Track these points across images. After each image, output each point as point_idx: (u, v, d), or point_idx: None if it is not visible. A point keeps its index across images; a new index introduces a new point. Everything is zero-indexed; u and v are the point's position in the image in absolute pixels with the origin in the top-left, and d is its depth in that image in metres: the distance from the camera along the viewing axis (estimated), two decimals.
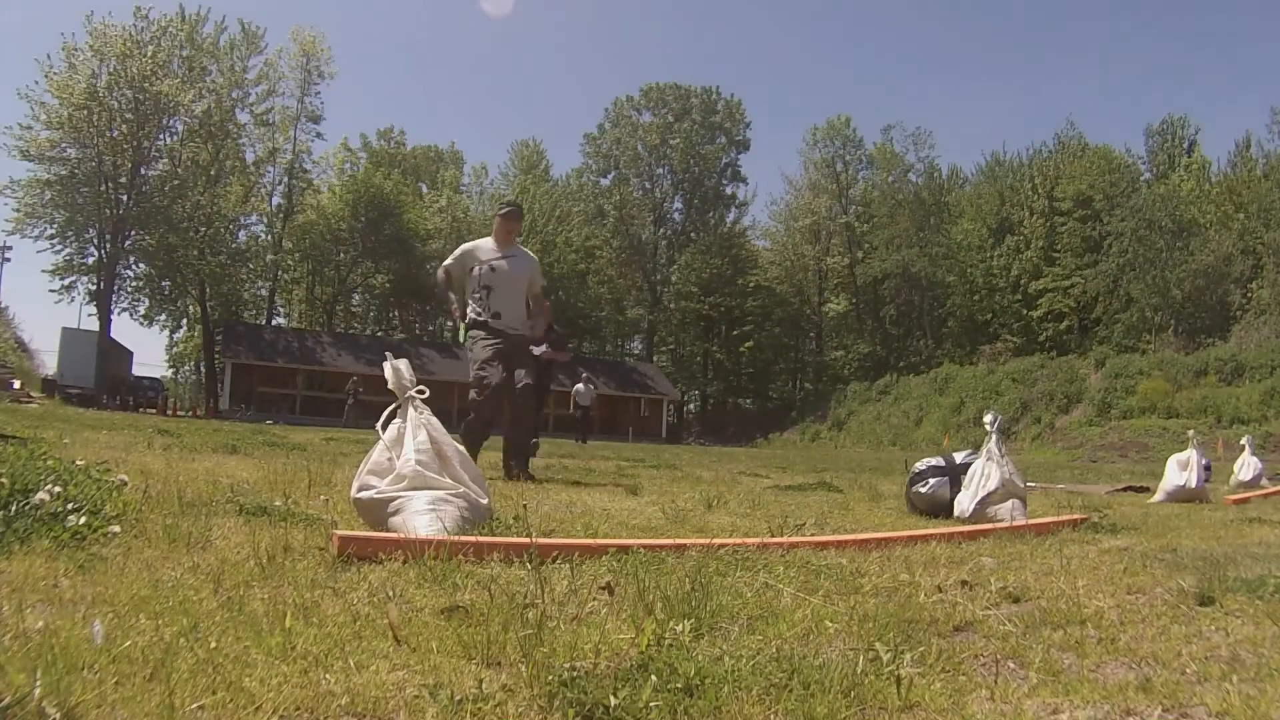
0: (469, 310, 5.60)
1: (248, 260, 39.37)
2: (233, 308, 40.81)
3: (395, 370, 2.55)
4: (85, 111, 31.87)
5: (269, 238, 41.87)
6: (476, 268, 5.57)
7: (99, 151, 32.91)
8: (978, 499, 3.74)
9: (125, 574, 1.67)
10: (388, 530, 2.30)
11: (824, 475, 7.26)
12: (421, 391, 2.56)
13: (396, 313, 48.35)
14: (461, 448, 2.59)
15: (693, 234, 48.70)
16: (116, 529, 1.99)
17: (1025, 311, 41.52)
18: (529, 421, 5.72)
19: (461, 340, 5.47)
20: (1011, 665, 1.39)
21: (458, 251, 5.76)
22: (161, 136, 35.12)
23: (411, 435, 2.48)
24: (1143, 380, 28.94)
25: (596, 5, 71.94)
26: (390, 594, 1.66)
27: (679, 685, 1.14)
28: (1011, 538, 3.04)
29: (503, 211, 5.80)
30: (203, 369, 43.20)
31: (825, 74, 78.55)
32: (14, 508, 1.95)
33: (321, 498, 3.14)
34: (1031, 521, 3.51)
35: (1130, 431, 26.68)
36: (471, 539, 2.10)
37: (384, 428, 2.52)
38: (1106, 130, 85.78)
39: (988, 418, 3.92)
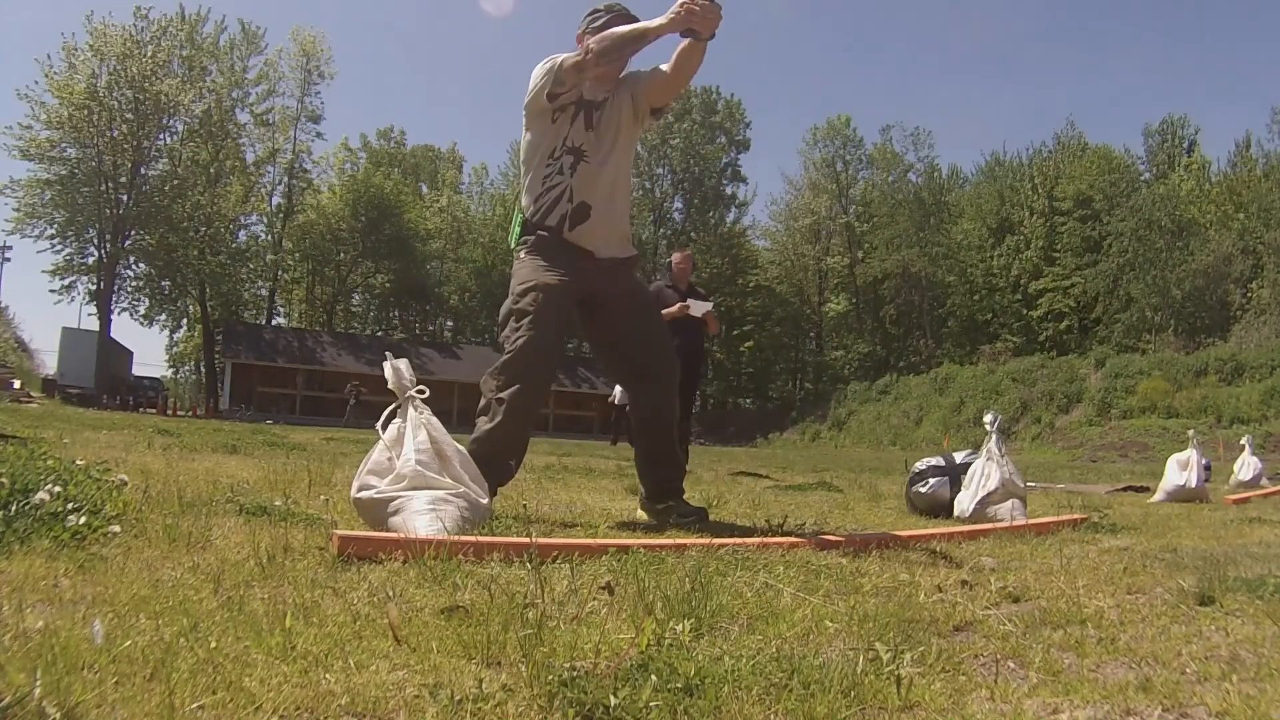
0: (526, 200, 3.12)
1: (248, 260, 39.43)
2: (233, 308, 40.85)
3: (395, 370, 2.56)
4: (85, 111, 31.92)
5: (269, 238, 41.92)
6: (560, 115, 3.05)
7: (99, 151, 32.96)
8: (978, 499, 3.75)
9: (125, 574, 1.67)
10: (388, 530, 2.30)
11: (824, 475, 7.26)
12: (422, 391, 2.56)
13: (396, 313, 48.36)
14: (461, 447, 2.58)
15: (693, 234, 48.68)
16: (116, 529, 1.99)
17: (1025, 311, 41.53)
18: (672, 428, 3.26)
19: (511, 245, 3.23)
20: (1011, 665, 1.39)
21: (549, 69, 2.97)
22: (161, 136, 35.18)
23: (411, 435, 2.48)
24: (1143, 380, 28.95)
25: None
26: (390, 594, 1.66)
27: (679, 685, 1.14)
28: (1011, 538, 3.04)
29: (598, 22, 3.03)
30: (203, 369, 43.23)
31: (825, 74, 78.62)
32: (14, 508, 1.95)
33: (321, 498, 3.14)
34: (1031, 521, 3.51)
35: (1130, 431, 26.68)
36: (471, 539, 2.10)
37: (384, 427, 2.52)
38: (1106, 130, 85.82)
39: (988, 418, 3.92)
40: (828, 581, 1.98)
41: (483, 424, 2.93)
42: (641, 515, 3.30)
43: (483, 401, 2.96)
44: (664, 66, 3.10)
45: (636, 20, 3.01)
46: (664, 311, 6.93)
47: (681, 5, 2.78)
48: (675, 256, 7.45)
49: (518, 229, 3.16)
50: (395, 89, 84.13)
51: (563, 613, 1.55)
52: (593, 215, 3.04)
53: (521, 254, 3.10)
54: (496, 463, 2.88)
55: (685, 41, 2.95)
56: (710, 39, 2.88)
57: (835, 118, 48.98)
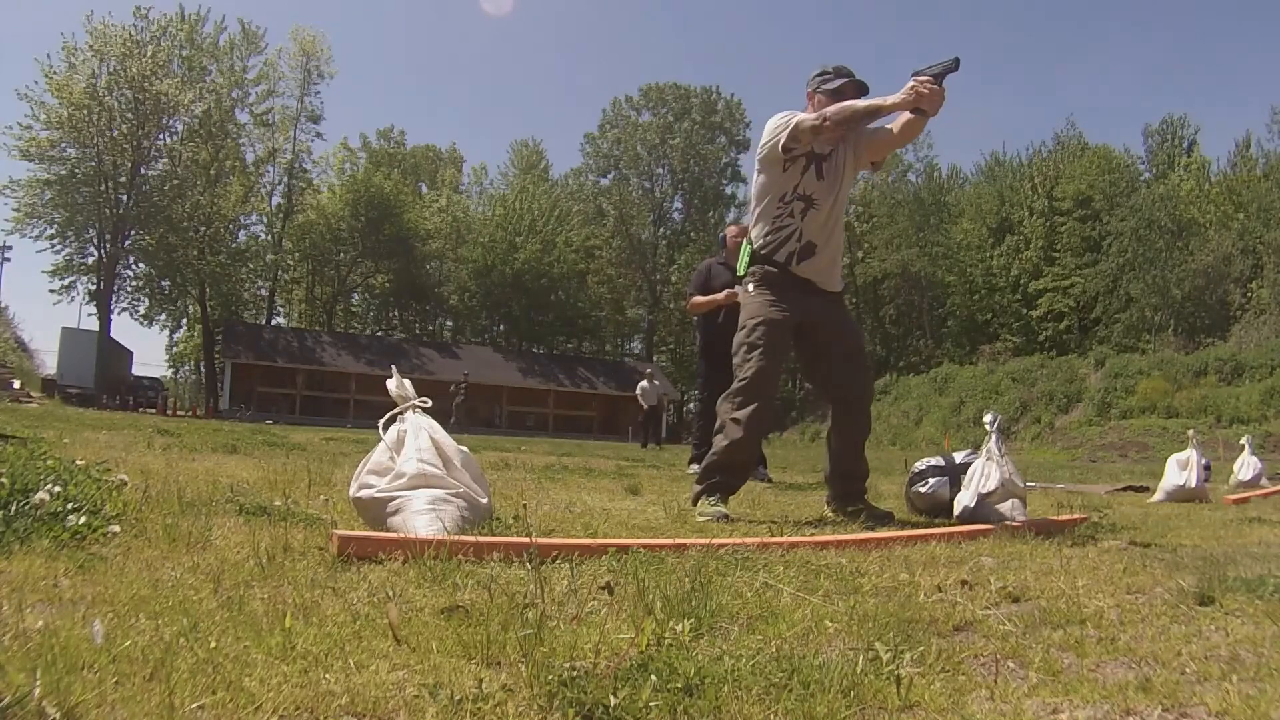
0: (756, 233, 3.53)
1: (248, 260, 39.42)
2: (233, 308, 40.82)
3: (400, 384, 2.62)
4: (85, 111, 31.91)
5: (269, 238, 41.89)
6: (791, 165, 3.43)
7: (99, 151, 32.94)
8: (977, 499, 3.74)
9: (125, 574, 1.68)
10: (387, 530, 2.30)
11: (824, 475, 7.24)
12: (425, 403, 2.59)
13: (396, 313, 48.34)
14: (464, 448, 2.59)
15: (693, 234, 48.69)
16: (116, 529, 1.99)
17: (1025, 311, 41.50)
18: (862, 444, 3.76)
19: (739, 275, 3.70)
20: (1011, 665, 1.39)
21: (786, 123, 3.40)
22: (161, 136, 35.15)
23: (413, 436, 2.49)
24: (1142, 380, 28.95)
25: (596, 5, 72.13)
26: (390, 594, 1.66)
27: (679, 685, 1.14)
28: (1011, 538, 3.04)
29: (830, 84, 3.48)
30: (203, 369, 43.23)
31: None
32: (14, 507, 1.96)
33: (321, 498, 3.14)
34: (1031, 521, 3.51)
35: (1130, 431, 26.68)
36: (471, 539, 2.10)
37: (385, 429, 2.53)
38: (1106, 130, 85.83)
39: (987, 417, 3.91)
40: (828, 581, 1.98)
41: (719, 441, 3.45)
42: (828, 513, 3.73)
43: (719, 421, 3.48)
44: (889, 126, 3.51)
45: (863, 84, 3.48)
46: (712, 298, 6.29)
47: (912, 88, 3.22)
48: (730, 230, 6.60)
49: (746, 258, 3.61)
50: (395, 89, 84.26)
51: (563, 613, 1.55)
52: (817, 253, 3.50)
53: (750, 286, 3.56)
54: (737, 470, 3.50)
55: (910, 115, 3.37)
56: (934, 116, 3.29)
57: None
